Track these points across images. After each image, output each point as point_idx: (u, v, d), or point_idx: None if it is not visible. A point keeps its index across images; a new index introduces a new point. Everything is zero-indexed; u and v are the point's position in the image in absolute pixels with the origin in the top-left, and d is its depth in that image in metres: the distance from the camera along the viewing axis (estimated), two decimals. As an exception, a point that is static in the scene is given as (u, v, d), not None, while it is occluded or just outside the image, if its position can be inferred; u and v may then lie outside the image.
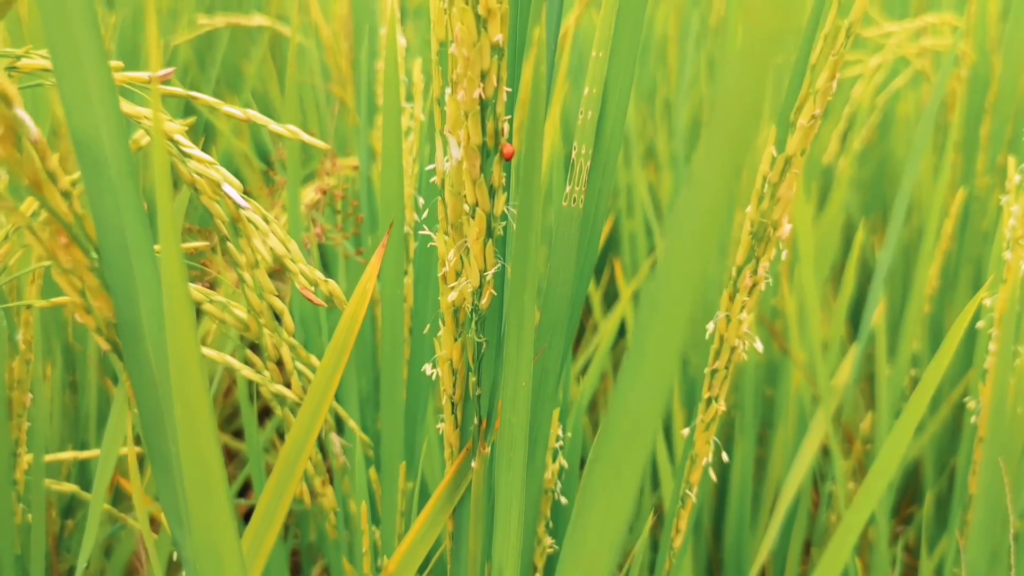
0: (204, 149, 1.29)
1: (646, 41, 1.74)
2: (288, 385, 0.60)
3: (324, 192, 0.90)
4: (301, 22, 1.39)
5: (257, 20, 1.29)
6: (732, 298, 0.62)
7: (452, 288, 0.52)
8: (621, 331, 1.52)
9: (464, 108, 0.47)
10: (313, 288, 0.57)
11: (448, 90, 0.48)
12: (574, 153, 0.55)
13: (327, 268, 1.13)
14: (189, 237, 0.73)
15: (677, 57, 1.72)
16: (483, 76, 0.46)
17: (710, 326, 0.63)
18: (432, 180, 0.53)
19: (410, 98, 0.82)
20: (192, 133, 1.39)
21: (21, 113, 0.43)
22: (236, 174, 1.45)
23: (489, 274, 0.51)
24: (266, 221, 0.56)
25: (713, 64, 1.70)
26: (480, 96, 0.46)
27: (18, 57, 0.53)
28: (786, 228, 0.59)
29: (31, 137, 0.44)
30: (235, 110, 0.58)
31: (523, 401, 0.52)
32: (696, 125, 1.65)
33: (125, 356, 0.49)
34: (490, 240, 0.50)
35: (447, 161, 0.50)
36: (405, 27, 1.36)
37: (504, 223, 0.51)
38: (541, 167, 0.50)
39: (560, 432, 0.71)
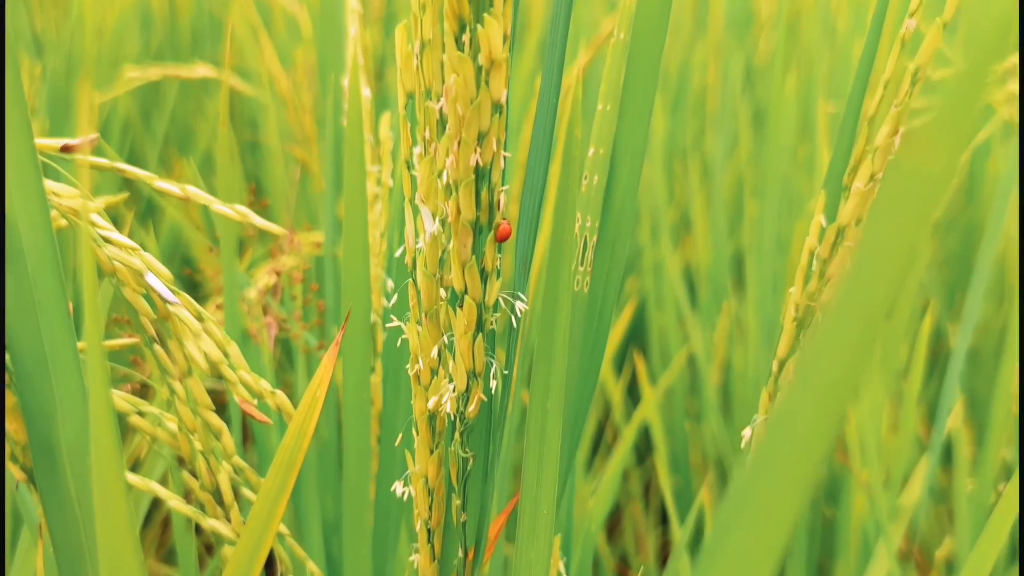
0: (148, 225, 1.29)
1: (681, 91, 1.75)
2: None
3: (280, 274, 0.90)
4: (256, 72, 1.40)
5: (201, 71, 1.29)
6: (774, 398, 0.61)
7: (429, 392, 0.52)
8: (646, 435, 1.51)
9: (455, 177, 0.46)
10: (256, 401, 0.57)
11: (418, 150, 0.48)
12: (577, 226, 0.55)
13: (289, 363, 1.12)
14: (117, 329, 0.73)
15: (717, 107, 1.73)
16: (480, 139, 0.45)
17: (747, 432, 0.62)
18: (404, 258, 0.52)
19: (377, 160, 0.82)
20: (134, 205, 1.40)
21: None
22: (184, 254, 1.45)
23: (480, 376, 0.51)
24: (200, 319, 0.55)
25: (760, 115, 1.70)
26: (477, 163, 0.46)
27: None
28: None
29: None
30: (172, 186, 0.57)
31: (545, 532, 0.52)
32: (739, 188, 1.65)
33: (40, 485, 0.49)
34: (480, 334, 0.50)
35: (419, 236, 0.50)
36: (386, 76, 1.37)
37: (497, 315, 0.51)
38: (573, 249, 0.50)
39: (562, 567, 0.70)
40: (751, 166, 1.54)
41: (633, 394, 1.53)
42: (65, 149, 0.55)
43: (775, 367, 0.61)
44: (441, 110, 0.47)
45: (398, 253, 0.53)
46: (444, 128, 0.47)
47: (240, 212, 0.59)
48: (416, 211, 0.50)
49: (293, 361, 0.98)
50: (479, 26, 0.44)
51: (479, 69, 0.44)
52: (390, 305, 0.63)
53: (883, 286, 0.29)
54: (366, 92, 0.77)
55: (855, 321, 0.29)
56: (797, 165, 1.48)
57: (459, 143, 0.45)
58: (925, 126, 0.28)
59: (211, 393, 0.81)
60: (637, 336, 1.57)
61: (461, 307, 0.49)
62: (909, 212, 0.28)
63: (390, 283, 0.75)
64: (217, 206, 0.59)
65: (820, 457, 0.30)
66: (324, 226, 0.97)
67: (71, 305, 0.50)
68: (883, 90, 0.56)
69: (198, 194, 0.58)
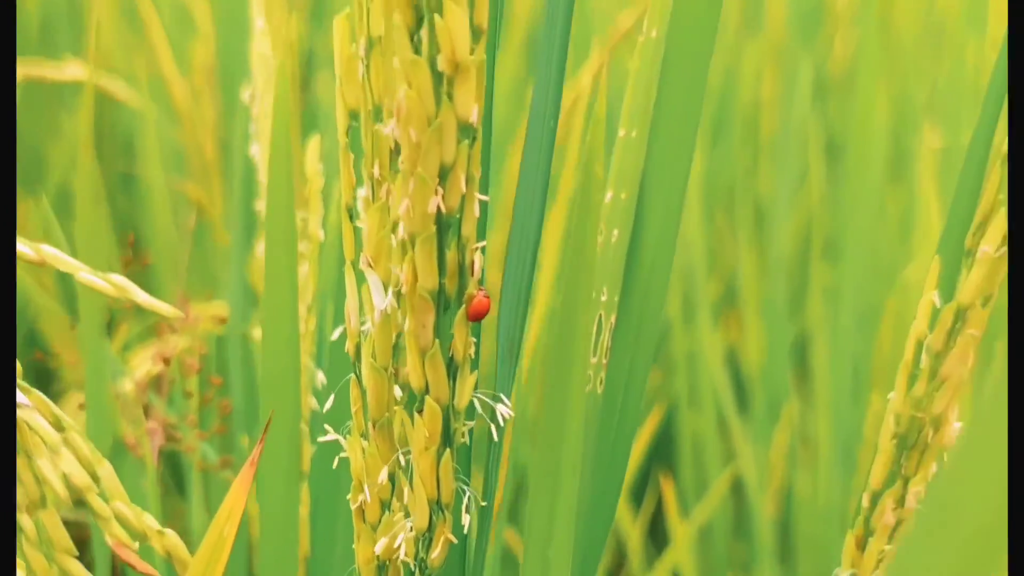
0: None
1: (724, 110, 1.74)
2: None
3: (167, 361, 0.89)
4: (135, 76, 1.39)
5: (72, 71, 1.28)
6: (862, 545, 0.61)
7: (378, 531, 0.51)
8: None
9: (410, 229, 0.45)
10: (137, 545, 0.56)
11: (363, 192, 0.47)
12: (592, 296, 0.55)
13: (178, 486, 1.11)
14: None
15: (776, 132, 1.72)
16: (443, 175, 0.44)
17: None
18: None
19: (301, 203, 0.80)
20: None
21: None
22: (30, 330, 1.44)
23: (447, 509, 0.50)
24: (59, 428, 0.55)
25: (835, 145, 1.70)
26: (439, 209, 0.44)
27: None
28: (955, 427, 0.58)
29: None
30: (22, 246, 0.56)
31: None
32: (805, 246, 1.64)
33: None
34: (448, 450, 0.49)
35: (365, 314, 0.49)
36: (313, 84, 1.36)
37: (470, 424, 0.50)
38: (587, 332, 0.49)
39: None
40: (823, 216, 1.54)
41: (657, 532, 1.52)
42: None
43: (865, 501, 0.60)
44: (394, 137, 0.46)
45: (335, 336, 0.53)
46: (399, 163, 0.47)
47: (118, 285, 0.58)
48: (361, 278, 0.49)
49: (185, 484, 0.97)
50: (438, 16, 0.42)
51: (439, 77, 0.43)
52: (324, 410, 0.62)
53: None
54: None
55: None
56: (888, 217, 1.48)
57: (414, 181, 0.44)
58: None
59: (69, 526, 0.81)
60: (663, 452, 1.56)
61: (421, 412, 0.48)
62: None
63: (321, 377, 0.74)
64: (84, 275, 0.58)
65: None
66: (228, 294, 0.96)
67: None
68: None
69: (60, 257, 0.57)
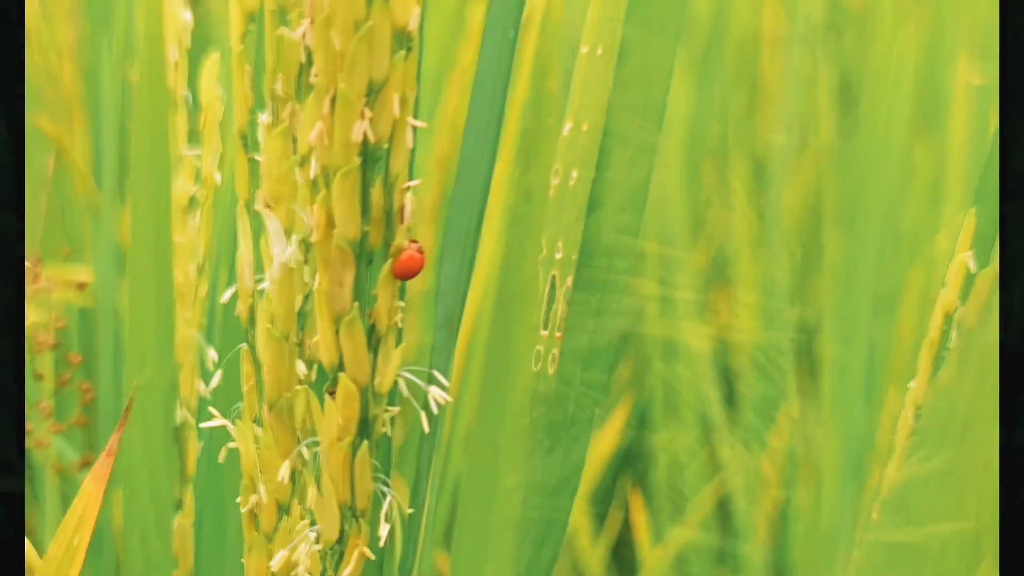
0: None
1: (714, 39, 1.74)
2: None
3: (17, 335, 0.89)
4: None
5: None
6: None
7: (274, 542, 0.51)
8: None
9: (326, 162, 0.45)
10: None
11: (264, 118, 0.47)
12: (542, 256, 0.54)
13: (33, 489, 1.11)
14: None
15: (778, 72, 1.72)
16: (372, 94, 0.44)
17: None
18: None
19: (196, 137, 0.79)
20: None
21: None
22: None
23: (363, 516, 0.50)
24: None
25: (850, 85, 1.70)
26: (365, 137, 0.44)
27: None
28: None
29: None
30: None
31: None
32: (813, 210, 1.64)
33: None
34: (365, 443, 0.49)
35: (262, 270, 0.49)
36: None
37: (393, 411, 0.50)
38: (534, 297, 0.49)
39: None
40: (834, 172, 1.54)
41: (623, 557, 1.52)
42: None
43: (875, 514, 0.61)
44: (306, 44, 0.46)
45: (225, 298, 0.52)
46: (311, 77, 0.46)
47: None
48: (257, 223, 0.48)
49: (38, 487, 0.97)
50: None
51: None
52: (210, 388, 0.61)
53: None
54: (187, 16, 0.76)
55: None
56: (913, 175, 1.48)
57: (333, 101, 0.44)
58: None
59: None
60: (632, 460, 1.56)
61: (332, 395, 0.48)
62: None
63: (213, 354, 0.73)
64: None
65: None
66: (94, 255, 0.96)
67: None
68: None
69: None
